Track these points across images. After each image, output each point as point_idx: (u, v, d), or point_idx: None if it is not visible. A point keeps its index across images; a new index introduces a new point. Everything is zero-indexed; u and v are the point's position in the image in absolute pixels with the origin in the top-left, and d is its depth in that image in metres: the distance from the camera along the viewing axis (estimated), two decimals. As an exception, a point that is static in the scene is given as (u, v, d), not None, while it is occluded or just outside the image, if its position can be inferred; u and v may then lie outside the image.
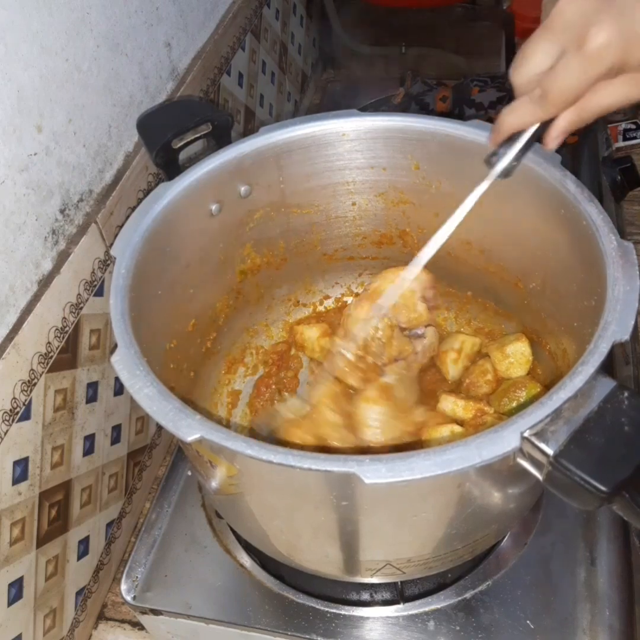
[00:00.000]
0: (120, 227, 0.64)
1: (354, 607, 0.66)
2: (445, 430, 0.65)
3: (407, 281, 0.69)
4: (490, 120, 1.01)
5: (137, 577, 0.70)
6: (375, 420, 0.67)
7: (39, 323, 0.62)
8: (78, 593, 0.74)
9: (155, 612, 0.69)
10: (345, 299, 0.87)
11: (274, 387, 0.81)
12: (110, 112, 0.72)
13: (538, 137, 0.55)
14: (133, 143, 0.77)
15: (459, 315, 0.84)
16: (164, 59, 0.82)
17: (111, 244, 0.66)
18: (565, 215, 0.60)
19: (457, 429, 0.66)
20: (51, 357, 0.64)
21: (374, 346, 0.70)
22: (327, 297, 0.87)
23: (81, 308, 0.68)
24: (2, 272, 0.59)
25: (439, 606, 0.66)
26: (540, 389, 0.69)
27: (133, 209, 0.72)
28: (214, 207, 0.68)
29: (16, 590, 0.62)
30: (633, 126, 1.17)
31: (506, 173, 0.57)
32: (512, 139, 0.56)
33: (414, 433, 0.67)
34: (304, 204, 0.76)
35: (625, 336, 0.47)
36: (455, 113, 1.07)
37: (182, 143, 0.67)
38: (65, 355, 0.66)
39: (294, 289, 0.86)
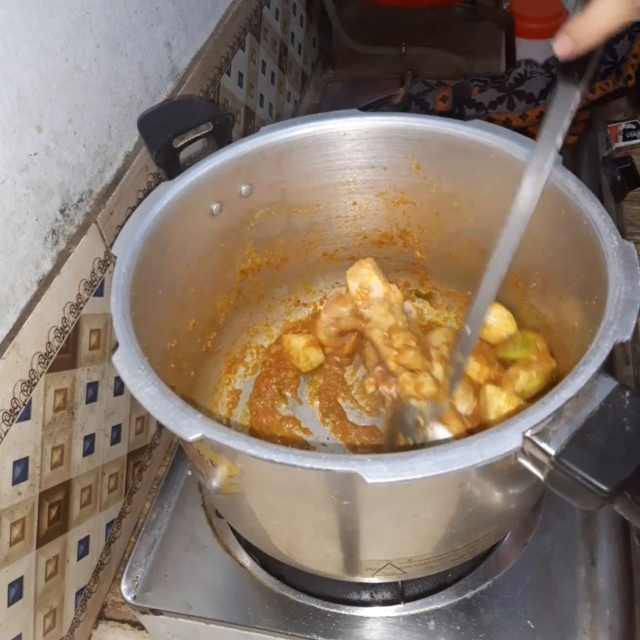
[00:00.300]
0: (121, 227, 0.64)
1: (355, 607, 0.66)
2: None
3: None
4: (491, 120, 1.02)
5: (137, 577, 0.70)
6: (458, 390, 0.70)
7: (39, 323, 0.62)
8: (78, 593, 0.74)
9: (156, 612, 0.69)
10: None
11: (274, 387, 0.81)
12: (110, 112, 0.72)
13: None
14: (133, 143, 0.77)
15: (459, 315, 0.84)
16: (164, 59, 0.82)
17: (111, 244, 0.66)
18: (566, 215, 0.60)
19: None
20: (51, 357, 0.64)
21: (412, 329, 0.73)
22: (327, 297, 0.87)
23: (81, 308, 0.68)
24: (2, 272, 0.59)
25: (439, 606, 0.66)
26: (532, 334, 0.71)
27: (133, 209, 0.72)
28: (214, 206, 0.68)
29: (16, 590, 0.62)
30: (633, 126, 1.17)
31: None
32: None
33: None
34: (304, 203, 0.76)
35: (627, 336, 0.47)
36: (456, 113, 1.07)
37: (182, 142, 0.67)
38: (65, 355, 0.66)
39: (294, 289, 0.86)
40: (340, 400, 0.80)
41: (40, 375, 0.62)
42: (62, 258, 0.66)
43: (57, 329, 0.64)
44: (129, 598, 0.69)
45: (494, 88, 1.07)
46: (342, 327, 0.80)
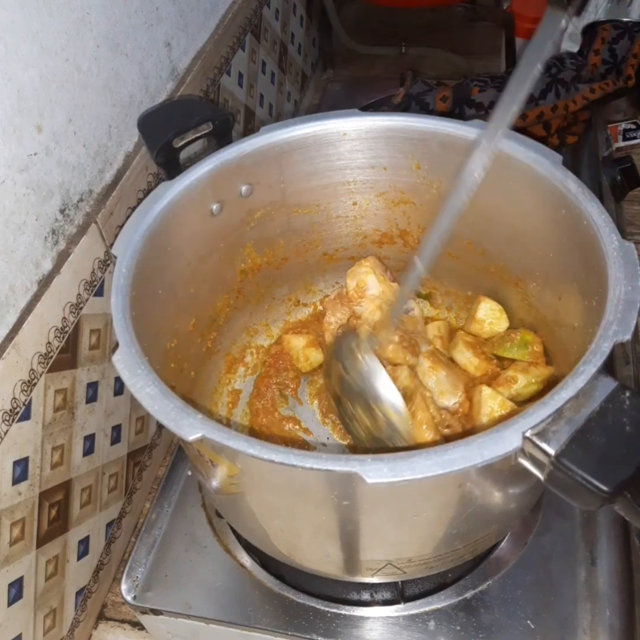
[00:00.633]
0: (121, 227, 0.64)
1: (355, 607, 0.66)
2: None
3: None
4: (491, 120, 1.02)
5: (137, 577, 0.70)
6: (444, 384, 0.71)
7: (39, 323, 0.62)
8: (78, 593, 0.74)
9: (156, 612, 0.69)
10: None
11: (274, 387, 0.81)
12: (110, 112, 0.72)
13: None
14: (133, 143, 0.77)
15: (459, 315, 0.84)
16: (164, 59, 0.82)
17: (111, 244, 0.66)
18: (566, 215, 0.59)
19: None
20: (51, 357, 0.64)
21: (401, 326, 0.74)
22: (327, 296, 0.87)
23: (81, 308, 0.68)
24: (2, 272, 0.59)
25: (439, 606, 0.66)
26: (531, 335, 0.71)
27: (133, 209, 0.72)
28: (214, 206, 0.68)
29: (16, 590, 0.62)
30: (633, 126, 1.17)
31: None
32: None
33: (471, 384, 0.72)
34: (304, 203, 0.76)
35: (627, 336, 0.47)
36: (456, 113, 1.07)
37: (182, 142, 0.67)
38: (65, 355, 0.66)
39: (294, 289, 0.86)
40: (340, 400, 0.80)
41: (40, 375, 0.62)
42: (62, 258, 0.66)
43: (57, 329, 0.64)
44: (129, 598, 0.69)
45: (494, 88, 1.07)
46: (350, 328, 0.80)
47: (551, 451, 0.42)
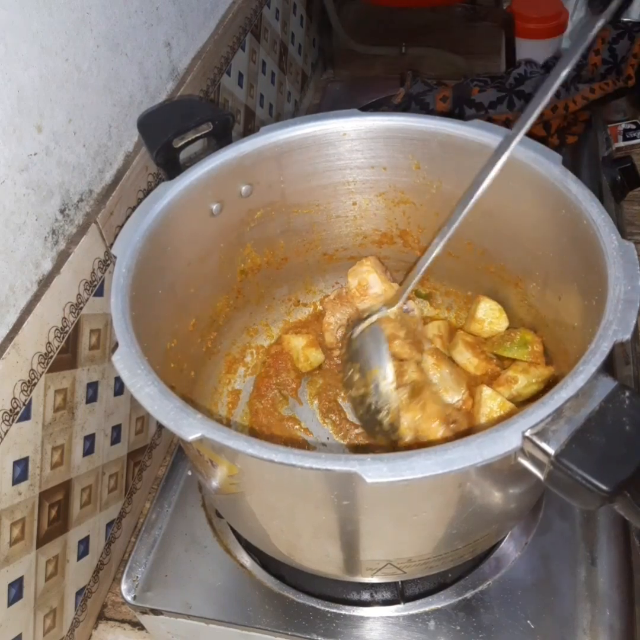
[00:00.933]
0: (121, 227, 0.64)
1: (355, 607, 0.66)
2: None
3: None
4: (491, 120, 1.02)
5: (137, 577, 0.70)
6: (447, 381, 0.71)
7: (39, 323, 0.62)
8: (78, 593, 0.74)
9: (156, 612, 0.69)
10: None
11: (274, 387, 0.81)
12: (110, 112, 0.72)
13: None
14: (133, 143, 0.77)
15: (459, 315, 0.84)
16: (164, 59, 0.82)
17: (111, 244, 0.66)
18: (566, 215, 0.59)
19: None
20: (51, 357, 0.64)
21: (409, 323, 0.74)
22: (327, 296, 0.87)
23: (81, 308, 0.68)
24: (2, 272, 0.59)
25: (439, 606, 0.66)
26: (530, 335, 0.71)
27: (133, 209, 0.72)
28: (214, 206, 0.68)
29: (16, 590, 0.62)
30: (633, 126, 1.17)
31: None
32: None
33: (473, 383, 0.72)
34: (304, 203, 0.76)
35: (627, 336, 0.47)
36: (456, 113, 1.07)
37: (182, 142, 0.67)
38: (65, 355, 0.66)
39: (294, 289, 0.86)
40: (340, 400, 0.80)
41: (40, 375, 0.62)
42: (62, 258, 0.66)
43: (57, 329, 0.64)
44: (129, 598, 0.69)
45: (494, 88, 1.07)
46: (350, 328, 0.80)
47: (551, 451, 0.42)
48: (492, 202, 0.68)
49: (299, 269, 0.83)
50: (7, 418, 0.58)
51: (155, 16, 0.79)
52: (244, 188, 0.70)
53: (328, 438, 0.77)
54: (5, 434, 0.58)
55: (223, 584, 0.69)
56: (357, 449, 0.76)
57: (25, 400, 0.61)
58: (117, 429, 0.78)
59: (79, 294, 0.67)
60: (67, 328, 0.66)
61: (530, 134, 0.60)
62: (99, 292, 0.71)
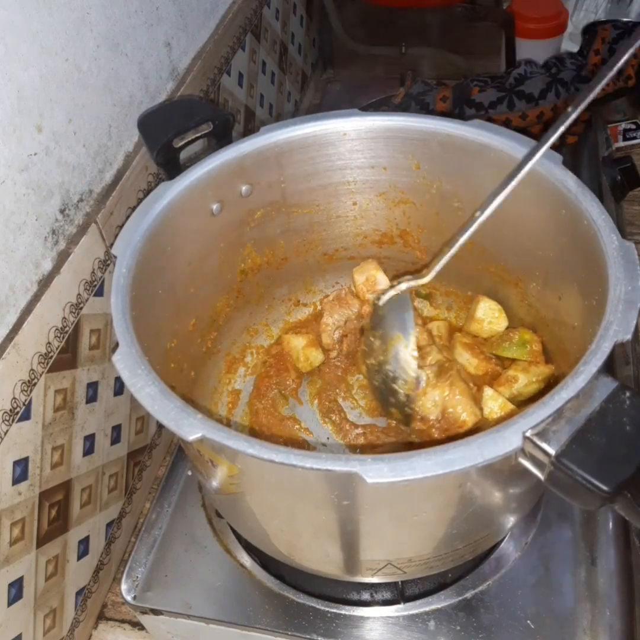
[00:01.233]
0: (121, 227, 0.64)
1: (355, 607, 0.66)
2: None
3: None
4: (491, 120, 1.02)
5: (137, 577, 0.70)
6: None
7: (39, 323, 0.62)
8: (78, 593, 0.74)
9: (156, 612, 0.69)
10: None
11: (274, 387, 0.81)
12: (110, 112, 0.72)
13: None
14: (133, 143, 0.77)
15: (459, 315, 0.84)
16: (164, 59, 0.82)
17: (111, 244, 0.66)
18: (566, 215, 0.60)
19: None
20: (51, 357, 0.64)
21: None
22: (327, 297, 0.87)
23: (81, 308, 0.68)
24: (2, 272, 0.58)
25: (439, 606, 0.66)
26: (529, 334, 0.71)
27: (133, 209, 0.72)
28: (214, 206, 0.68)
29: (16, 590, 0.62)
30: (633, 126, 1.17)
31: None
32: None
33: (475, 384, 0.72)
34: (304, 203, 0.76)
35: (627, 336, 0.47)
36: (456, 113, 1.07)
37: (183, 142, 0.67)
38: (65, 355, 0.66)
39: (294, 289, 0.86)
40: (340, 400, 0.80)
41: (40, 375, 0.62)
42: (62, 258, 0.66)
43: (57, 329, 0.64)
44: (129, 598, 0.69)
45: (494, 88, 1.07)
46: (348, 330, 0.80)
47: (551, 451, 0.42)
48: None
49: (299, 269, 0.83)
50: (7, 418, 0.58)
51: (155, 16, 0.79)
52: (244, 188, 0.70)
53: (328, 438, 0.77)
54: (5, 434, 0.58)
55: (223, 584, 0.69)
56: (357, 449, 0.76)
57: (25, 400, 0.61)
58: (117, 429, 0.78)
59: (79, 294, 0.67)
60: (67, 328, 0.66)
61: (530, 134, 0.60)
62: (99, 292, 0.71)
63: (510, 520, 0.61)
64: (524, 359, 0.70)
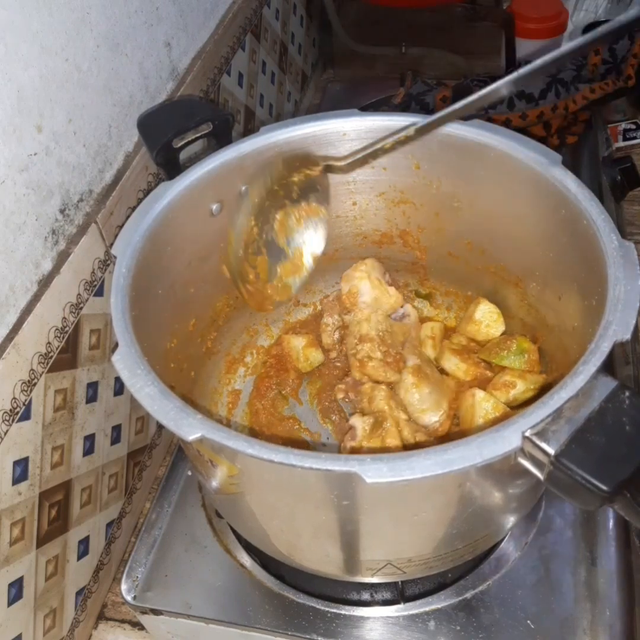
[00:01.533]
0: (121, 227, 0.64)
1: (355, 607, 0.66)
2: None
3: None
4: (490, 120, 1.02)
5: (137, 577, 0.70)
6: (426, 402, 0.70)
7: (39, 323, 0.62)
8: (78, 593, 0.74)
9: (156, 612, 0.69)
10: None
11: (274, 387, 0.81)
12: (110, 112, 0.72)
13: None
14: (133, 143, 0.77)
15: (459, 315, 0.84)
16: (164, 59, 0.82)
17: (111, 244, 0.66)
18: (566, 215, 0.59)
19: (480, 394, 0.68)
20: (51, 357, 0.64)
21: (388, 338, 0.72)
22: (327, 297, 0.87)
23: (81, 308, 0.68)
24: (2, 272, 0.59)
25: (439, 606, 0.66)
26: (527, 342, 0.71)
27: (133, 209, 0.72)
28: (214, 206, 0.68)
29: (16, 590, 0.62)
30: (633, 126, 1.17)
31: None
32: None
33: (464, 388, 0.72)
34: (304, 203, 0.76)
35: (627, 335, 0.47)
36: (455, 113, 1.07)
37: (182, 142, 0.67)
38: (65, 355, 0.66)
39: (294, 289, 0.85)
40: (340, 400, 0.80)
41: (40, 375, 0.62)
42: (62, 258, 0.66)
43: (57, 329, 0.64)
44: (129, 598, 0.69)
45: (494, 88, 1.06)
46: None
47: (551, 451, 0.42)
48: (492, 202, 0.69)
49: (299, 269, 0.83)
50: (7, 418, 0.58)
51: (155, 16, 0.79)
52: (244, 188, 0.70)
53: (328, 438, 0.77)
54: (5, 434, 0.58)
55: (223, 584, 0.69)
56: (357, 449, 0.76)
57: (25, 400, 0.61)
58: (117, 429, 0.78)
59: (79, 294, 0.67)
60: (67, 328, 0.66)
61: (530, 134, 0.60)
62: (99, 292, 0.71)
63: (510, 520, 0.61)
64: (521, 369, 0.70)
